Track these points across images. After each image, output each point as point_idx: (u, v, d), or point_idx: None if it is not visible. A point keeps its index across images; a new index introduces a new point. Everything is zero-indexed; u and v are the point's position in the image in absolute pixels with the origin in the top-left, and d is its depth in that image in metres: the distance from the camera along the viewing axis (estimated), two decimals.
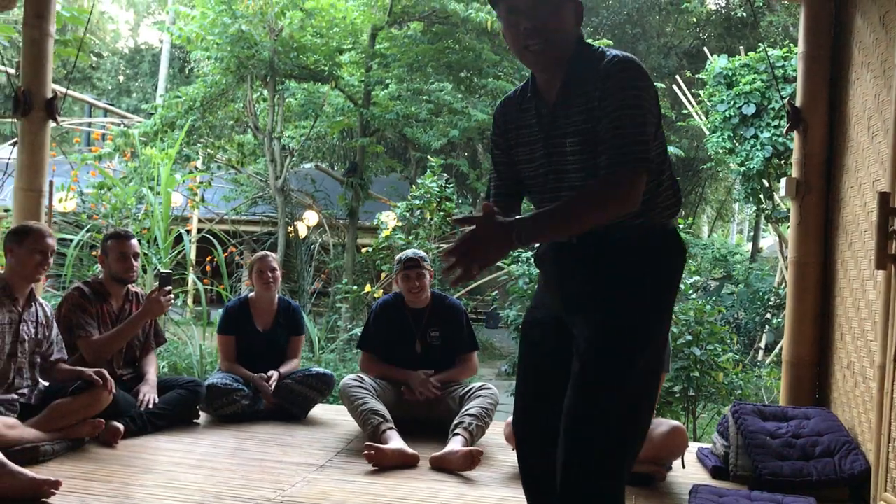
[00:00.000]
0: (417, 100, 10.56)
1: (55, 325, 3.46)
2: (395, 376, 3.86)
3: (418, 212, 8.19)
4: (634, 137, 1.68)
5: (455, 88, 10.91)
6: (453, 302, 4.08)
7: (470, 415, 3.51)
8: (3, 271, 3.36)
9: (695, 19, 16.95)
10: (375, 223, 9.49)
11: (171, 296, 3.73)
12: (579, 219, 1.69)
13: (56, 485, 2.60)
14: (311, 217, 11.16)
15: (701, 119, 9.13)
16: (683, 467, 3.31)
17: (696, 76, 8.81)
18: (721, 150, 7.64)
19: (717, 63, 7.63)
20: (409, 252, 4.00)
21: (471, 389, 3.75)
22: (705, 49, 10.34)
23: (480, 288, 10.85)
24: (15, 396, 3.21)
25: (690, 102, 9.43)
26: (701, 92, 8.51)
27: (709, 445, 3.67)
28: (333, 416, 4.18)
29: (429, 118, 10.56)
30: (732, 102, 7.39)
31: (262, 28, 9.54)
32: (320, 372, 4.15)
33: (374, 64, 10.62)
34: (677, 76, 10.81)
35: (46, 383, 3.42)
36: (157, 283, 3.74)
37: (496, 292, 7.95)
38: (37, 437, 3.08)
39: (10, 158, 5.90)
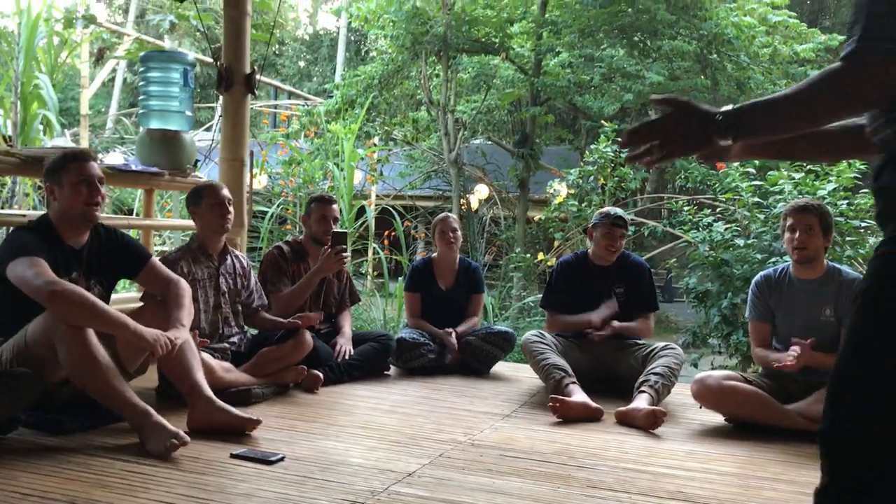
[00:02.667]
0: (589, 66, 10.40)
1: (252, 273, 3.74)
2: (579, 322, 3.86)
3: (591, 178, 8.08)
4: (886, 6, 1.22)
5: (628, 53, 10.63)
6: (637, 260, 4.02)
7: (655, 373, 3.46)
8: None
9: None
10: (546, 195, 9.47)
11: (346, 254, 3.85)
12: (806, 109, 1.31)
13: (257, 423, 2.76)
14: (482, 190, 11.32)
15: None
16: None
17: None
18: None
19: None
20: (614, 209, 3.97)
21: (655, 349, 3.69)
22: None
23: (654, 259, 10.57)
24: (226, 345, 3.52)
25: None
26: None
27: None
28: (515, 372, 4.27)
29: (601, 84, 10.37)
30: None
31: (435, 3, 9.74)
32: (502, 329, 4.25)
33: (545, 32, 10.55)
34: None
35: (254, 332, 3.72)
36: (332, 241, 3.89)
37: (674, 260, 7.70)
38: (248, 381, 3.36)
39: (211, 142, 6.42)
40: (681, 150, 1.41)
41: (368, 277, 9.40)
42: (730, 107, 1.37)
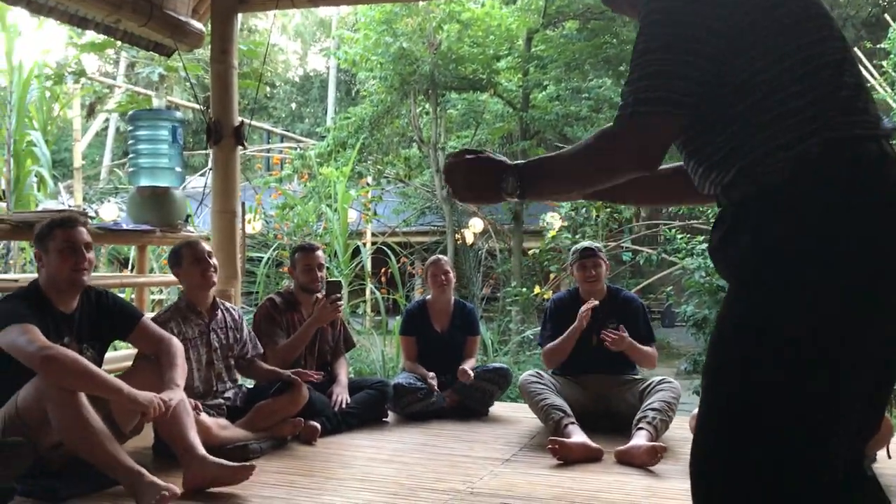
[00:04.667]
0: (577, 98, 10.50)
1: (245, 324, 3.73)
2: (569, 335, 3.81)
3: (584, 210, 8.13)
4: (644, 74, 1.29)
5: (615, 83, 10.74)
6: (628, 294, 4.04)
7: (653, 409, 3.45)
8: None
9: None
10: (540, 225, 9.51)
11: (340, 302, 3.89)
12: (573, 173, 1.38)
13: (251, 469, 2.74)
14: (477, 224, 11.35)
15: (886, 91, 8.44)
16: (889, 457, 3.08)
17: (878, 46, 8.18)
18: None
19: None
20: (584, 243, 4.03)
21: (651, 384, 3.68)
22: (886, 16, 9.56)
23: (653, 285, 10.58)
24: (221, 401, 3.50)
25: (873, 75, 8.75)
26: (884, 63, 7.88)
27: None
28: (513, 412, 4.24)
29: (589, 115, 10.47)
30: None
31: (422, 43, 9.86)
32: (497, 366, 4.25)
33: (531, 67, 10.67)
34: (856, 48, 10.06)
35: (250, 385, 3.71)
36: (325, 290, 3.92)
37: (671, 288, 7.72)
38: (245, 437, 3.33)
39: (204, 188, 6.46)
40: (470, 199, 1.48)
41: (366, 317, 9.40)
42: (518, 163, 1.41)
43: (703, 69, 1.27)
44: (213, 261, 3.53)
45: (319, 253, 4.04)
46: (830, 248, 1.18)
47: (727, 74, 1.28)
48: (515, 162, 1.41)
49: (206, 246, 3.56)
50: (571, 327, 3.81)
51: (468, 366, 4.25)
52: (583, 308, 3.79)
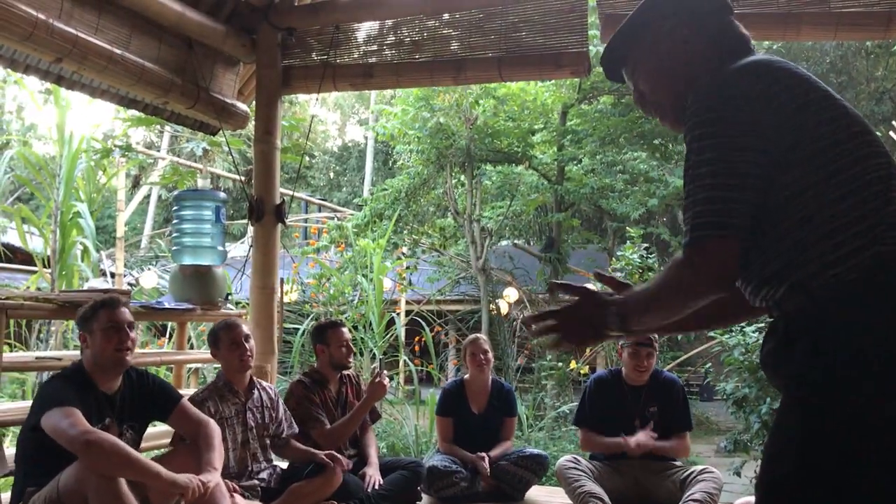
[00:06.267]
0: (612, 171, 10.57)
1: (281, 403, 3.74)
2: (613, 446, 3.79)
3: None
4: (696, 200, 1.34)
5: (650, 156, 10.80)
6: (670, 377, 3.98)
7: (694, 500, 3.36)
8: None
9: None
10: None
11: (389, 380, 3.95)
12: (661, 304, 1.41)
13: None
14: (511, 294, 11.33)
15: None
16: None
17: None
18: None
19: None
20: None
21: (692, 472, 3.60)
22: None
23: (691, 359, 10.42)
24: (256, 482, 3.49)
25: None
26: None
27: None
28: (550, 497, 4.15)
29: (625, 188, 10.51)
30: None
31: (458, 118, 10.05)
32: (535, 453, 4.18)
33: (566, 141, 10.79)
34: (893, 122, 10.03)
35: (284, 465, 3.70)
36: (378, 367, 3.96)
37: (709, 364, 7.58)
38: None
39: (246, 256, 6.57)
40: (576, 342, 1.50)
41: (399, 388, 9.36)
42: (616, 299, 1.45)
43: (751, 188, 1.32)
44: (251, 344, 3.58)
45: (346, 329, 4.08)
46: (884, 362, 1.19)
47: (774, 192, 1.33)
48: (612, 299, 1.46)
49: (245, 327, 3.61)
50: (617, 442, 3.76)
51: (504, 448, 4.20)
52: (634, 442, 3.73)
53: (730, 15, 1.55)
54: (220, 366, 3.69)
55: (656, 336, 3.90)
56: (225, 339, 3.54)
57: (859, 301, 1.24)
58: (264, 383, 3.76)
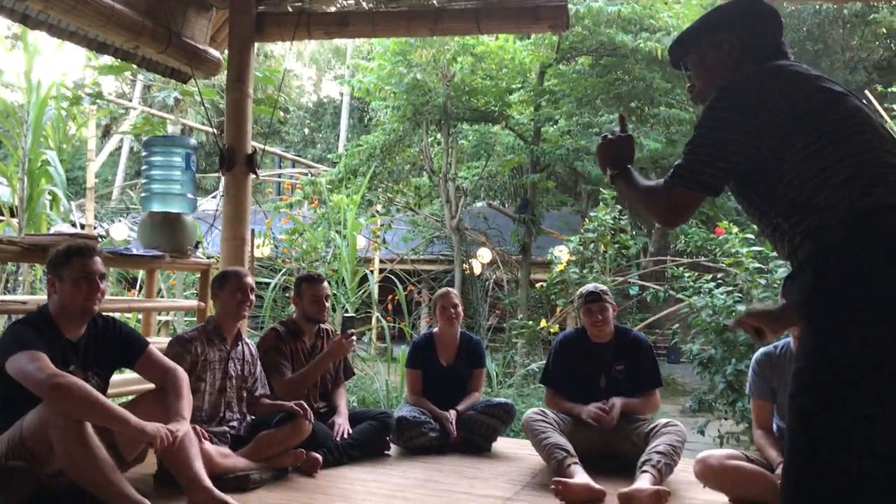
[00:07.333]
0: (587, 133, 10.55)
1: (258, 362, 3.76)
2: (572, 411, 3.83)
3: (592, 245, 8.13)
4: (686, 153, 1.84)
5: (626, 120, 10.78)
6: (638, 336, 4.02)
7: (658, 452, 3.42)
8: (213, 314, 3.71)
9: (884, 30, 15.79)
10: (548, 258, 9.52)
11: (354, 338, 3.96)
12: (633, 198, 2.03)
13: None
14: (485, 254, 11.37)
15: None
16: None
17: (889, 90, 8.20)
18: None
19: None
20: (590, 286, 4.00)
21: (657, 426, 3.65)
22: None
23: (659, 321, 10.56)
24: (226, 429, 3.51)
25: (883, 118, 8.77)
26: (895, 106, 7.89)
27: None
28: (517, 449, 4.21)
29: None
30: None
31: (436, 75, 9.95)
32: (501, 401, 4.23)
33: (543, 101, 10.74)
34: (867, 91, 10.10)
35: (252, 417, 3.71)
36: (341, 326, 3.97)
37: (677, 325, 7.68)
38: (246, 466, 3.33)
39: (216, 211, 6.50)
40: (600, 163, 2.18)
41: (371, 345, 9.39)
42: (623, 171, 2.10)
43: (734, 162, 1.77)
44: (252, 297, 3.62)
45: (325, 284, 4.06)
46: (868, 288, 1.54)
47: (781, 164, 1.71)
48: (621, 169, 2.07)
49: (251, 280, 3.63)
50: (577, 409, 3.79)
51: (472, 400, 4.24)
52: (587, 413, 3.75)
53: (776, 34, 1.95)
54: (195, 310, 3.69)
55: (606, 289, 3.94)
56: (232, 283, 3.57)
57: (852, 246, 1.58)
58: (248, 340, 3.77)
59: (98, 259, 2.89)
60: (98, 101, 8.03)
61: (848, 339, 1.53)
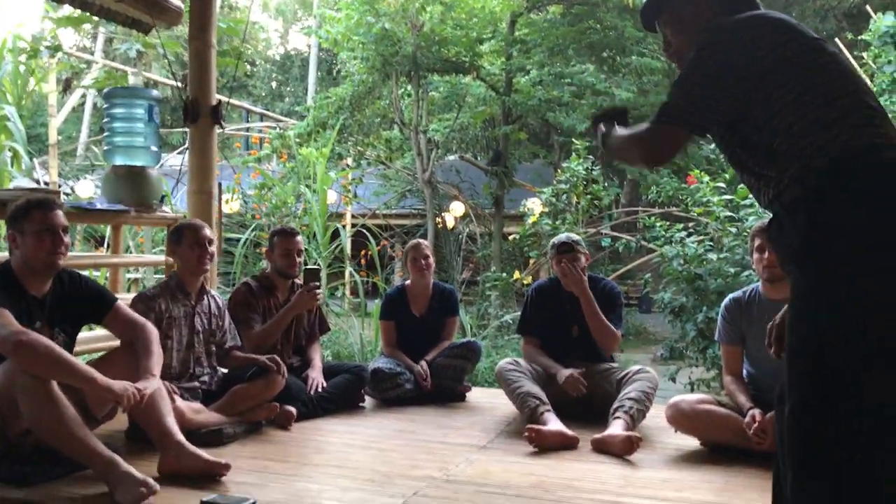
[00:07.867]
0: (559, 84, 10.45)
1: (227, 314, 3.71)
2: (550, 370, 3.83)
3: (565, 196, 8.13)
4: (673, 91, 1.82)
5: (597, 69, 10.71)
6: (610, 284, 4.02)
7: (630, 398, 3.45)
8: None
9: None
10: (521, 210, 9.51)
11: (319, 290, 3.90)
12: (614, 148, 2.02)
13: (227, 468, 2.70)
14: (457, 208, 11.33)
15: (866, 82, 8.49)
16: None
17: (859, 38, 8.20)
18: (892, 115, 7.08)
19: (883, 21, 7.05)
20: (562, 236, 3.98)
21: (629, 373, 3.68)
22: (868, 7, 9.59)
23: (631, 271, 10.64)
24: (197, 384, 3.48)
25: (854, 66, 8.79)
26: (865, 54, 7.90)
27: None
28: (490, 399, 4.24)
29: (571, 101, 10.43)
30: None
31: (405, 24, 9.77)
32: (464, 340, 4.29)
33: (515, 51, 10.60)
34: (836, 39, 10.10)
35: (225, 370, 3.68)
36: (304, 278, 3.92)
37: (649, 275, 7.75)
38: (219, 421, 3.31)
39: (181, 166, 6.37)
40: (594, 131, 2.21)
41: (345, 300, 9.37)
42: (609, 129, 2.08)
43: (723, 105, 1.76)
44: (212, 249, 3.54)
45: (299, 238, 4.01)
46: (864, 226, 1.56)
47: (764, 107, 1.71)
48: (605, 129, 2.06)
49: (209, 232, 3.53)
50: (554, 370, 3.75)
51: (442, 348, 4.24)
52: (563, 377, 3.71)
53: None
54: (163, 265, 3.62)
55: (579, 238, 3.93)
56: (188, 237, 3.48)
57: (841, 186, 1.59)
58: (214, 292, 3.71)
59: (60, 212, 2.81)
60: (58, 53, 7.79)
61: (855, 277, 1.54)
